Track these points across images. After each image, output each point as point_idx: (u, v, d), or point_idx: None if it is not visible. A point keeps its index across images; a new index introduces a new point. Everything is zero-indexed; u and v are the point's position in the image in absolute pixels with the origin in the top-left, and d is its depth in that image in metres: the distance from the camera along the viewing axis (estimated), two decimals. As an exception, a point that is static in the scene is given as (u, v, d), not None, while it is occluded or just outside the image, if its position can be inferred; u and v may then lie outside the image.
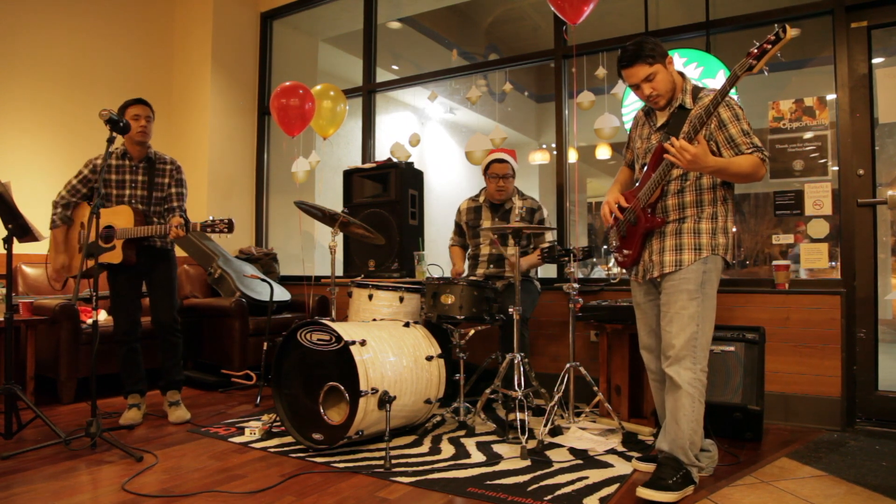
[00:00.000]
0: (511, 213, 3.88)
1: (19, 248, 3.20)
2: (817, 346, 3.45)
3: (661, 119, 2.55)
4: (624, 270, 2.72)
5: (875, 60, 3.55)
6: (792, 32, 2.07)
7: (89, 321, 4.01)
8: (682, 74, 2.53)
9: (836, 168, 3.61)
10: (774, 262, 3.66)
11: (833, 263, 3.63)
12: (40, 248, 3.69)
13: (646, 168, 2.52)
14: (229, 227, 3.25)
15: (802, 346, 3.48)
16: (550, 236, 3.86)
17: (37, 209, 3.62)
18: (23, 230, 3.13)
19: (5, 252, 3.09)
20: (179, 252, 3.88)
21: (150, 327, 3.62)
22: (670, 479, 2.33)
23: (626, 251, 2.61)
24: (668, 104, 2.51)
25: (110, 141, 3.13)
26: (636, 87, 2.49)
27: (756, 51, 2.12)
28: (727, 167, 2.31)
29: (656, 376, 2.65)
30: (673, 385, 2.41)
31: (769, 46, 2.10)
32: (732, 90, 2.23)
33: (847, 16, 3.57)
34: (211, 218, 3.28)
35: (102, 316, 4.27)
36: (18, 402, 3.13)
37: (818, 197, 3.64)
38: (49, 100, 4.89)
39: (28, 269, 4.42)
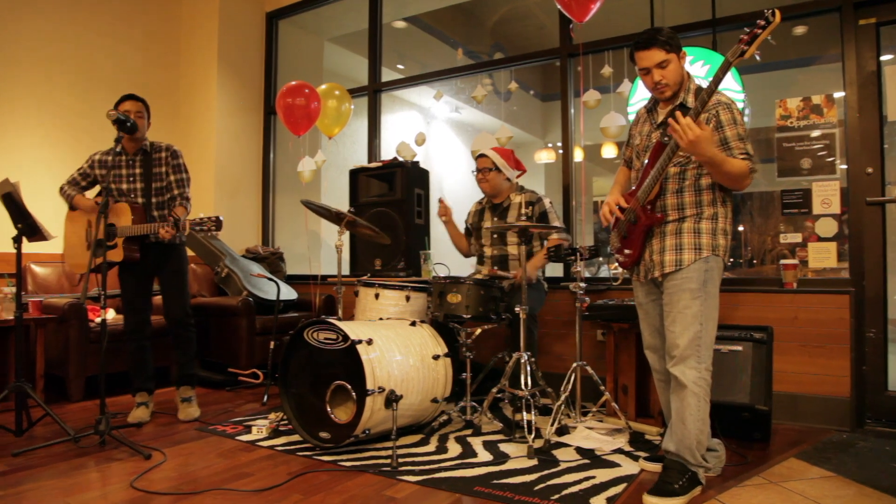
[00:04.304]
0: (510, 210, 3.86)
1: (28, 247, 3.23)
2: (826, 345, 3.43)
3: (662, 116, 2.53)
4: (625, 271, 2.72)
5: (884, 57, 3.52)
6: (780, 15, 2.08)
7: (98, 320, 4.03)
8: (688, 74, 2.52)
9: (844, 166, 3.59)
10: (782, 261, 3.64)
11: (842, 262, 3.61)
12: (49, 247, 3.71)
13: (645, 165, 2.51)
14: (217, 225, 3.17)
15: (811, 345, 3.46)
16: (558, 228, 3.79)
17: (45, 209, 3.63)
18: (32, 230, 3.16)
19: (15, 251, 3.12)
20: (189, 251, 3.89)
21: (162, 325, 3.64)
22: (676, 484, 2.32)
23: (627, 251, 2.60)
24: (671, 98, 2.50)
25: (118, 141, 3.17)
26: (646, 73, 2.45)
27: (746, 36, 2.12)
28: (723, 163, 2.28)
29: (661, 376, 2.65)
30: (678, 385, 2.41)
31: (759, 31, 2.10)
32: (739, 89, 2.22)
33: (855, 13, 3.55)
34: (200, 216, 3.22)
35: (111, 315, 4.29)
36: (28, 400, 3.16)
37: (826, 195, 3.63)
38: (56, 99, 4.91)
39: (37, 269, 4.44)
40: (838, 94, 3.62)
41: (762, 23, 2.09)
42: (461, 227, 4.13)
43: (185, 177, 3.58)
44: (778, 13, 2.07)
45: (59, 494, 2.36)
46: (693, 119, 2.21)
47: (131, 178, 3.48)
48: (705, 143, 2.20)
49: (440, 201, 4.01)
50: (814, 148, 3.68)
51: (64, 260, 3.60)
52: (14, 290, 3.45)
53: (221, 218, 3.19)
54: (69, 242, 3.56)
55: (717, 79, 2.19)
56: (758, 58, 2.15)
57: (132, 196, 3.47)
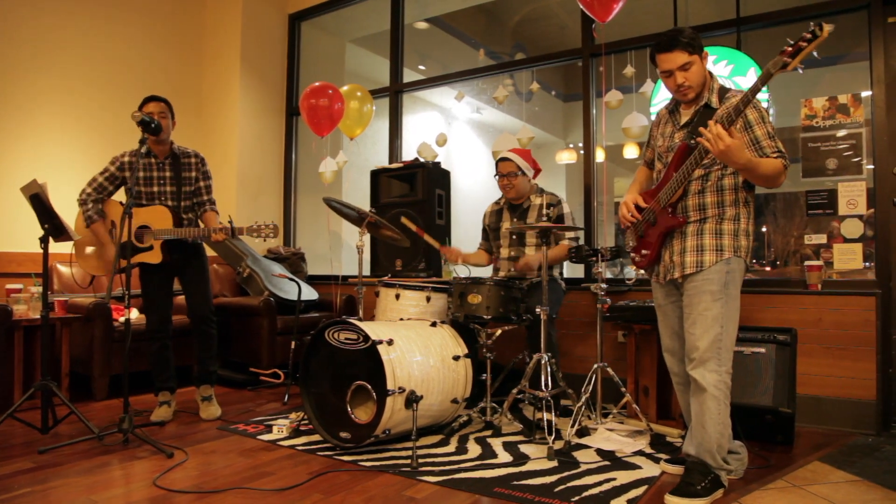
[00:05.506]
0: (529, 211, 3.85)
1: (55, 247, 3.28)
2: (851, 348, 3.38)
3: (685, 117, 2.51)
4: (642, 272, 2.69)
5: (912, 56, 3.46)
6: (828, 29, 1.99)
7: (121, 319, 4.09)
8: (710, 73, 2.49)
9: (871, 167, 3.53)
10: (807, 263, 3.59)
11: (868, 264, 3.55)
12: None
13: (667, 167, 2.48)
14: (275, 232, 3.30)
15: (835, 347, 3.41)
16: (573, 231, 3.79)
17: (72, 209, 3.68)
18: (58, 230, 3.21)
19: (42, 251, 3.17)
20: (209, 251, 3.94)
21: (182, 324, 3.68)
22: (699, 485, 2.30)
23: (643, 251, 2.58)
24: (694, 100, 2.47)
25: (142, 142, 3.21)
26: (668, 75, 2.43)
27: (790, 49, 2.05)
28: (757, 167, 2.24)
29: (680, 379, 2.62)
30: (698, 388, 2.38)
31: (804, 45, 2.02)
32: (764, 89, 2.18)
33: (884, 10, 3.49)
34: (256, 223, 3.32)
35: (134, 314, 4.34)
36: (54, 398, 3.21)
37: (852, 196, 3.57)
38: (83, 102, 4.99)
39: (63, 268, 4.51)
40: (865, 94, 3.56)
41: (808, 36, 2.00)
42: (475, 234, 4.12)
43: (212, 183, 3.70)
44: (826, 27, 1.98)
45: (84, 491, 2.40)
46: (725, 127, 2.17)
47: (161, 182, 3.54)
48: (737, 151, 2.16)
49: (443, 249, 3.95)
50: (839, 148, 3.62)
51: (71, 260, 3.59)
52: (41, 289, 3.51)
53: (277, 225, 3.32)
54: (84, 243, 3.60)
55: (755, 88, 2.13)
56: (800, 71, 2.08)
57: (162, 199, 3.52)
